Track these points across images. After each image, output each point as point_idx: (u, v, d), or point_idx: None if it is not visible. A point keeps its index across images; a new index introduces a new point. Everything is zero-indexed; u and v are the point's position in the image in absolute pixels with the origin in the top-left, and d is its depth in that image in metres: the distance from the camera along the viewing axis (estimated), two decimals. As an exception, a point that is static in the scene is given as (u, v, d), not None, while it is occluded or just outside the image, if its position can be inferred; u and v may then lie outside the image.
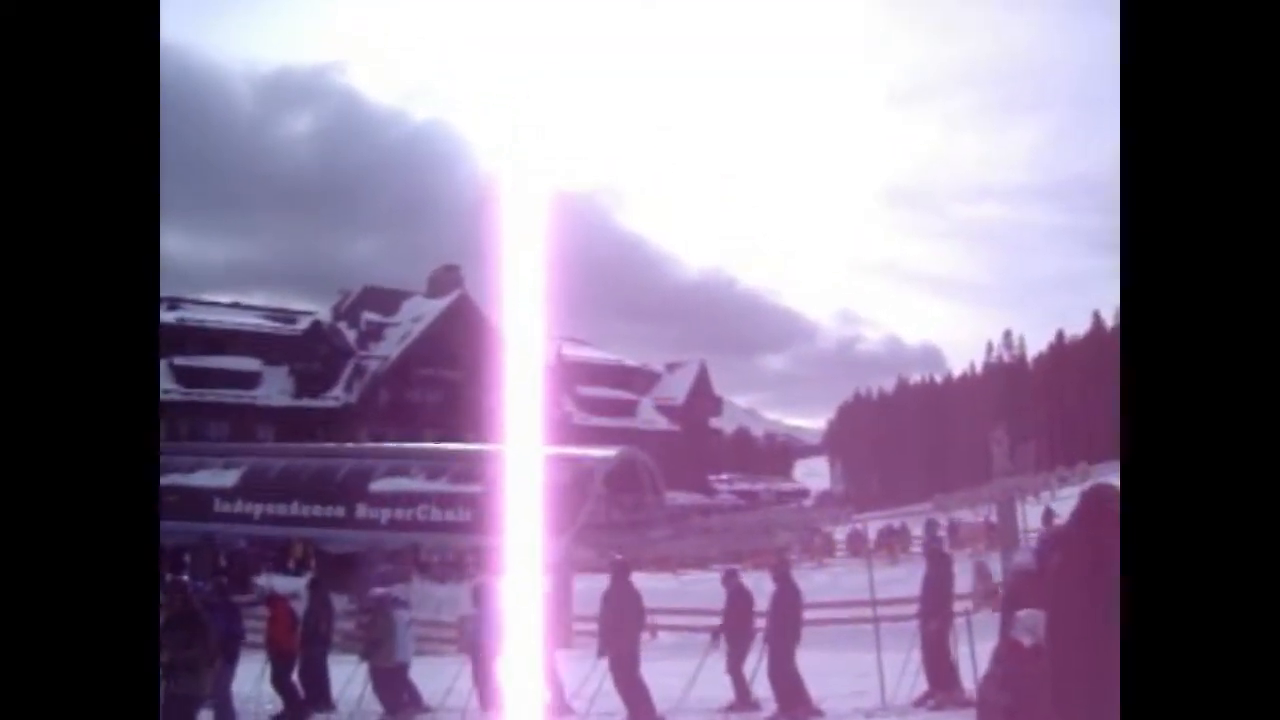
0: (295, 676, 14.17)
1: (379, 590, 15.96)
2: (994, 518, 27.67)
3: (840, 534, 47.70)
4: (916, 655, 12.97)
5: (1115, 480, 4.78)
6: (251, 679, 14.65)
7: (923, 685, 12.80)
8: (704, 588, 15.08)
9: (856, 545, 42.23)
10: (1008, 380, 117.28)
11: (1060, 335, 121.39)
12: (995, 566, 22.43)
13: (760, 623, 13.62)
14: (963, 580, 16.99)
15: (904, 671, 12.93)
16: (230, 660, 13.16)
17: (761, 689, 12.89)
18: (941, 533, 37.47)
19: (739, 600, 13.91)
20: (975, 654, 11.33)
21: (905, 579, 14.89)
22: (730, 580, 14.28)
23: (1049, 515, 13.67)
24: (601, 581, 14.34)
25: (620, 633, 13.13)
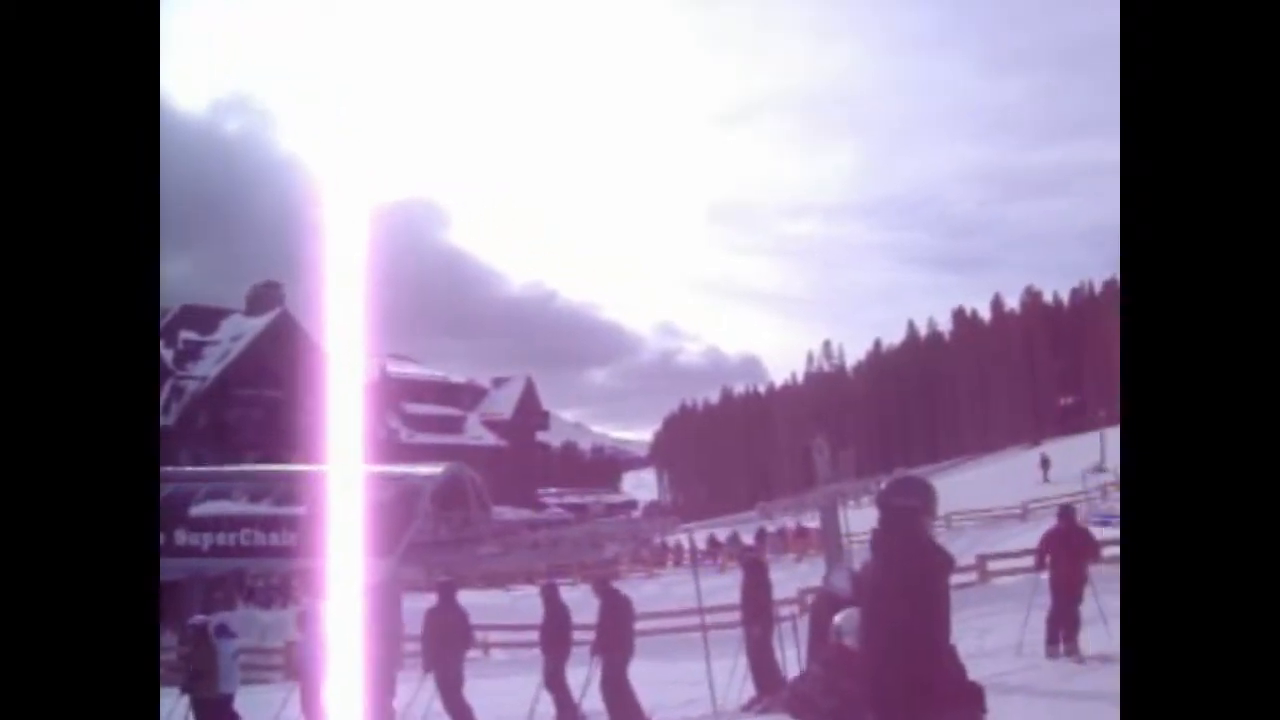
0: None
1: (200, 618, 15.44)
2: (814, 523, 28.32)
3: (667, 541, 48.12)
4: (744, 661, 13.20)
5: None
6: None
7: (751, 690, 13.02)
8: (535, 602, 15.06)
9: (679, 555, 42.77)
10: (828, 389, 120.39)
11: (878, 344, 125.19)
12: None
13: (583, 635, 13.67)
14: (787, 586, 17.34)
15: (733, 677, 13.13)
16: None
17: (594, 702, 12.92)
18: (749, 540, 38.20)
19: (556, 613, 13.94)
20: (802, 658, 11.57)
21: (733, 587, 15.12)
22: (546, 593, 14.31)
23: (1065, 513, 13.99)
24: (430, 600, 14.21)
25: (446, 653, 13.04)
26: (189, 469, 44.56)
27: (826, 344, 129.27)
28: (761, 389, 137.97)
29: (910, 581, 4.68)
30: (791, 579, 21.77)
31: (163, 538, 32.23)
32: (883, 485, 5.50)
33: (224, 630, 14.80)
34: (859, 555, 10.01)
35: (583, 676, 13.19)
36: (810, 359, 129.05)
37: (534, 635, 14.76)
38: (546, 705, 13.47)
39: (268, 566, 35.53)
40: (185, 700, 13.85)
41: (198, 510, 32.57)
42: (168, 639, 23.56)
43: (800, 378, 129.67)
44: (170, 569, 32.57)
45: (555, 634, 13.86)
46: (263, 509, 32.16)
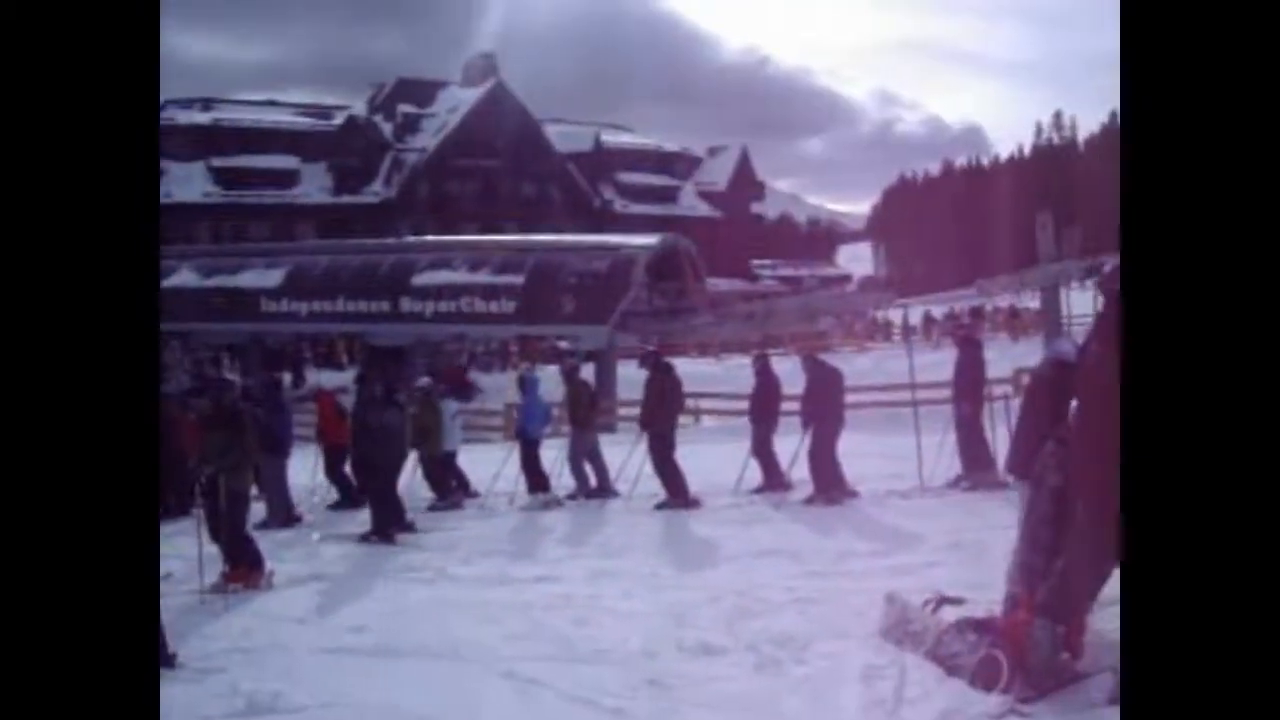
0: (348, 467, 14.56)
1: (426, 380, 16.23)
2: (1036, 303, 27.53)
3: (878, 317, 47.78)
4: (952, 438, 13.13)
5: None
6: (307, 470, 15.13)
7: (958, 468, 12.99)
8: (747, 373, 15.26)
9: (890, 330, 42.41)
10: (1057, 163, 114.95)
11: (1114, 116, 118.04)
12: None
13: (793, 406, 13.83)
14: (1001, 365, 17.04)
15: (940, 454, 13.10)
16: (278, 454, 13.53)
17: (801, 471, 13.14)
18: (966, 319, 37.55)
19: (765, 383, 14.13)
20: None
21: (945, 364, 14.93)
22: (758, 363, 14.49)
23: None
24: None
25: (657, 418, 13.40)
26: (411, 239, 46.25)
27: (1057, 114, 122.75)
28: (985, 161, 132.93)
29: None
30: (1005, 359, 21.34)
31: (388, 305, 33.89)
32: (1108, 268, 5.28)
33: (445, 391, 15.53)
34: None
35: (791, 445, 13.39)
36: (1039, 130, 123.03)
37: (744, 404, 15.00)
38: (754, 472, 13.77)
39: (487, 333, 36.88)
40: (414, 456, 14.70)
41: (420, 279, 33.95)
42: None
43: (1027, 150, 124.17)
44: (396, 334, 34.34)
45: (765, 404, 14.07)
46: (482, 278, 33.27)
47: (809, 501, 12.50)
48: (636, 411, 14.84)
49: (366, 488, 12.91)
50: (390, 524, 12.07)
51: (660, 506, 12.92)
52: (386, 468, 12.44)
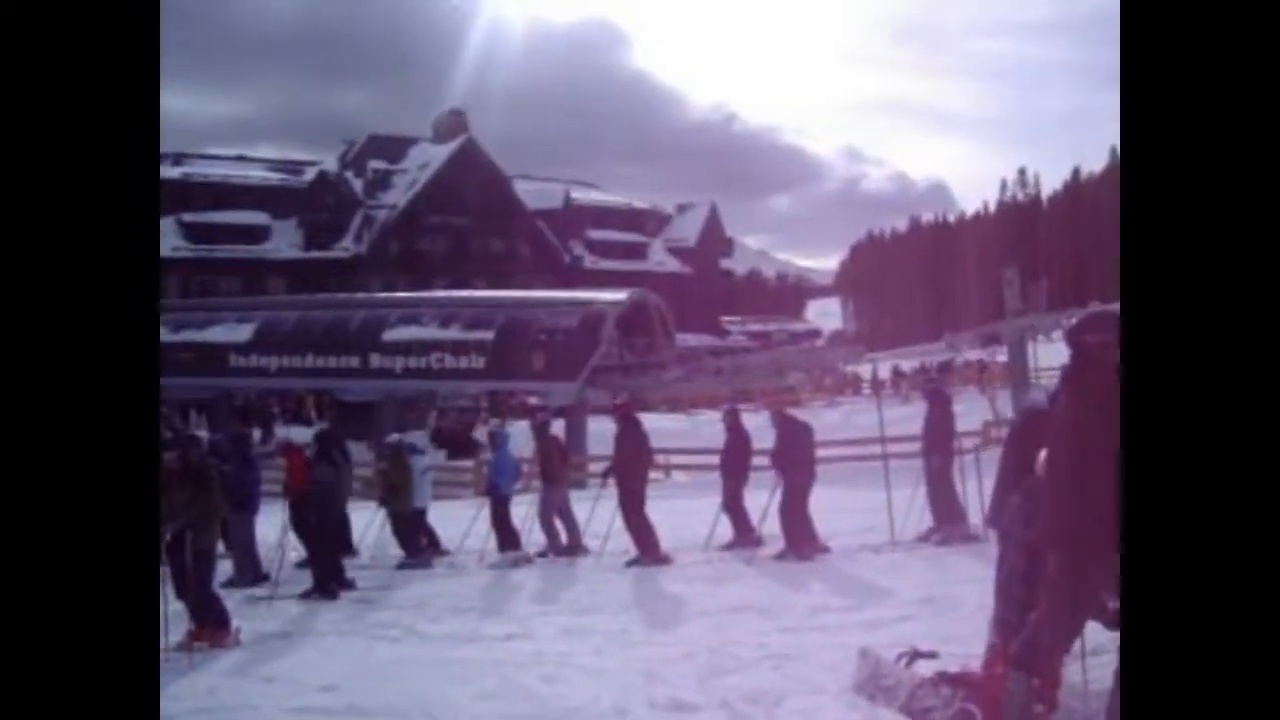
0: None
1: (395, 436, 16.15)
2: (1002, 357, 27.75)
3: (849, 371, 47.91)
4: (923, 491, 13.15)
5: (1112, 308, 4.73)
6: (276, 527, 14.98)
7: (929, 521, 13.00)
8: (717, 428, 15.28)
9: (859, 384, 42.50)
10: (1021, 219, 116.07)
11: (1076, 172, 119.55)
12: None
13: (763, 461, 13.84)
14: (970, 419, 17.11)
15: (911, 507, 13.11)
16: (247, 510, 13.41)
17: (772, 526, 13.12)
18: (935, 373, 37.66)
19: (735, 438, 14.13)
20: (983, 490, 11.44)
21: (915, 417, 15.00)
22: (728, 418, 14.52)
23: None
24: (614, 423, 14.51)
25: (628, 473, 13.37)
26: (382, 295, 46.22)
27: (1021, 171, 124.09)
28: (951, 218, 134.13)
29: (1100, 420, 4.53)
30: (975, 412, 21.44)
31: (358, 361, 33.83)
32: (1075, 320, 5.31)
33: (414, 448, 15.47)
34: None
35: (762, 501, 13.38)
36: (1004, 187, 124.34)
37: (715, 459, 14.99)
38: (725, 528, 13.74)
39: (457, 388, 36.81)
40: (383, 513, 14.59)
41: (390, 335, 33.93)
42: (365, 454, 24.78)
43: (992, 207, 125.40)
44: (366, 390, 34.26)
45: (735, 458, 14.07)
46: (452, 333, 33.27)
47: (780, 557, 12.46)
48: (605, 465, 14.81)
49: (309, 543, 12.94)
50: (330, 578, 12.05)
51: (631, 563, 12.85)
52: (323, 523, 12.43)
